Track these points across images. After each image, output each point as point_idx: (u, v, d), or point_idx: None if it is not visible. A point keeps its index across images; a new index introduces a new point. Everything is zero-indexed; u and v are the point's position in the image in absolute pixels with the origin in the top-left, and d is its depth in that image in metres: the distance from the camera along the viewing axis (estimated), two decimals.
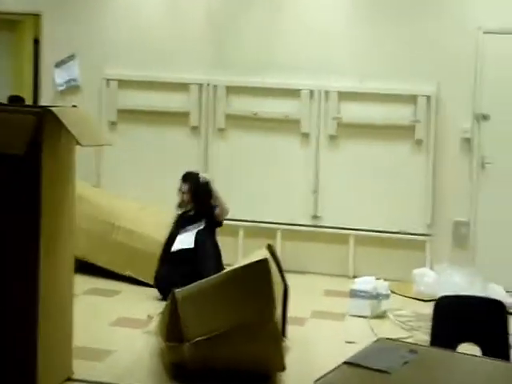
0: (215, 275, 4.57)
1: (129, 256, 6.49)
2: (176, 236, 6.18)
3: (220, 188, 7.10)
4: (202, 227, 6.15)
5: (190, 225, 6.19)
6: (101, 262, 6.46)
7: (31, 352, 3.93)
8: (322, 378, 2.58)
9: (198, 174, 6.30)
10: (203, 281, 4.50)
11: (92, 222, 6.50)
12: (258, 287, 4.30)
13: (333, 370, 2.65)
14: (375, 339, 3.04)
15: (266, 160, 7.21)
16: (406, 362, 2.70)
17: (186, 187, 6.28)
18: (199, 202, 6.25)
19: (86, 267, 6.24)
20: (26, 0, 7.84)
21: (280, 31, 7.27)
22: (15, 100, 8.25)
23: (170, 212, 6.54)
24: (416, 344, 3.06)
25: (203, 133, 7.33)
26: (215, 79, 7.29)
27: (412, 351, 2.80)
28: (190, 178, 6.29)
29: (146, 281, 6.33)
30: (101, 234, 6.56)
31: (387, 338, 3.05)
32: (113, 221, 6.62)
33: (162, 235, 6.36)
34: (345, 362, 2.70)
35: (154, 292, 6.15)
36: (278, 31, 7.27)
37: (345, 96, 7.10)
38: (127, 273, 6.43)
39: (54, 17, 7.68)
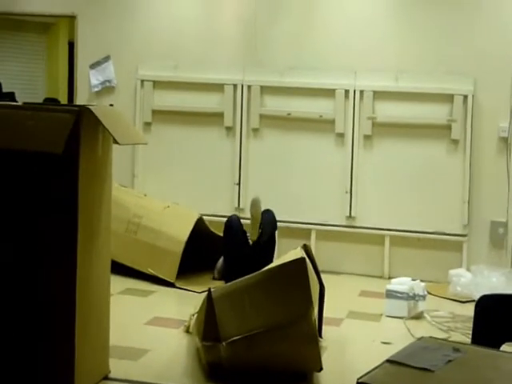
0: (251, 274, 4.53)
1: (151, 254, 6.52)
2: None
3: (254, 188, 7.15)
4: None
5: None
6: (125, 260, 6.45)
7: (69, 350, 3.92)
8: (364, 375, 2.54)
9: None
10: (239, 280, 4.48)
11: (117, 222, 6.51)
12: (295, 286, 4.26)
13: (375, 368, 2.62)
14: (417, 338, 2.99)
15: (300, 160, 7.19)
16: (449, 361, 2.66)
17: None
18: None
19: (117, 267, 6.23)
20: (60, 2, 7.89)
21: (313, 30, 7.22)
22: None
23: (195, 211, 6.66)
24: (459, 343, 3.00)
25: (237, 133, 7.31)
26: (249, 79, 7.27)
27: (456, 350, 2.75)
28: None
29: (166, 279, 6.36)
30: (125, 234, 6.58)
31: (430, 337, 3.00)
32: (137, 220, 6.64)
33: (184, 234, 6.42)
34: (387, 360, 2.66)
35: (188, 293, 6.17)
36: (311, 30, 7.23)
37: (380, 95, 7.04)
38: (149, 270, 6.45)
39: (88, 18, 7.71)
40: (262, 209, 6.37)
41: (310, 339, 4.24)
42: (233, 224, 6.36)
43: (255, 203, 6.32)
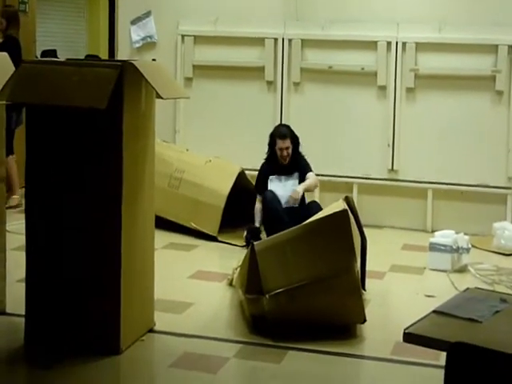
0: (294, 227, 4.54)
1: (194, 209, 6.55)
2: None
3: None
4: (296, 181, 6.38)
5: (282, 175, 6.38)
6: (168, 215, 6.49)
7: (114, 304, 3.98)
8: (410, 326, 2.54)
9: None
10: (282, 233, 4.49)
11: (159, 177, 6.55)
12: (338, 238, 4.27)
13: (421, 318, 2.62)
14: (464, 289, 2.98)
15: (341, 113, 7.14)
16: (497, 311, 2.65)
17: (288, 143, 6.40)
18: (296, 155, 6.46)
19: (160, 222, 6.28)
20: None
21: None
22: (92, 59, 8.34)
23: (237, 165, 6.71)
24: (507, 294, 2.98)
25: (278, 87, 7.27)
26: (290, 33, 7.20)
27: (503, 300, 2.74)
28: (290, 134, 6.45)
29: (209, 233, 6.41)
30: (167, 188, 6.62)
31: (476, 288, 2.99)
32: (179, 175, 6.68)
33: (226, 188, 6.46)
34: (434, 311, 2.66)
35: (230, 247, 6.22)
36: None
37: (422, 47, 6.94)
38: (191, 224, 6.48)
39: None
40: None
41: (353, 291, 4.26)
42: (269, 202, 6.26)
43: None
